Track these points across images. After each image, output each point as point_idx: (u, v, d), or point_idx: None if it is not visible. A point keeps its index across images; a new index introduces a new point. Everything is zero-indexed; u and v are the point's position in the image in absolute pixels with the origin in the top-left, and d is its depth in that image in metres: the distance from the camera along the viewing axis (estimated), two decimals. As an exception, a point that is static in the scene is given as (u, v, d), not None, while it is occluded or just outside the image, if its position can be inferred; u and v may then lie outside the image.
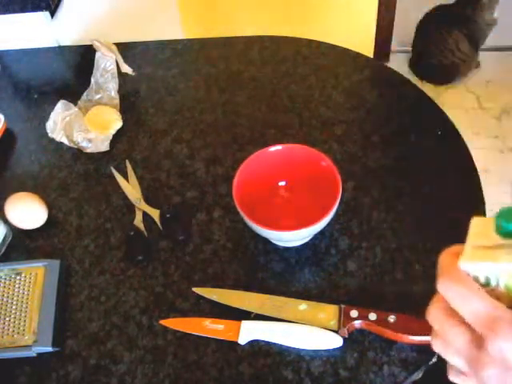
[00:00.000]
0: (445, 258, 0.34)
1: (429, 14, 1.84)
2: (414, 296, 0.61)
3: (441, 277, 0.33)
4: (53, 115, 0.80)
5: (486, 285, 0.31)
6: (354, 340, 0.59)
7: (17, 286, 0.65)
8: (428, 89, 1.94)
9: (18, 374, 0.61)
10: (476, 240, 0.32)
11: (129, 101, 0.88)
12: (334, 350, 0.58)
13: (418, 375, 0.57)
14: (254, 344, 0.60)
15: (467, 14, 1.73)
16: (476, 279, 0.31)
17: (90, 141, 0.79)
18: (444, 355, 0.34)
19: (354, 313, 0.58)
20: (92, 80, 0.86)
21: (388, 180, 0.73)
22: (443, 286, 0.32)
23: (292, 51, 0.92)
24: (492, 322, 0.29)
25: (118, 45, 0.88)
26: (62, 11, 1.00)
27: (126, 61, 0.88)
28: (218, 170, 0.77)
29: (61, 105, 0.80)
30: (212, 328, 0.61)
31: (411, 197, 0.71)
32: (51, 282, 0.65)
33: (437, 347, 0.34)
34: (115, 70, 0.86)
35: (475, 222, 0.33)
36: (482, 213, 0.68)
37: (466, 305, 0.30)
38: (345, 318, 0.58)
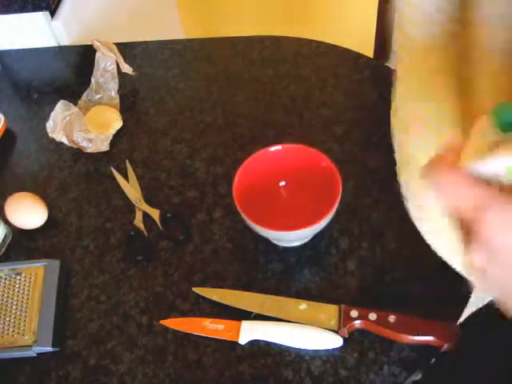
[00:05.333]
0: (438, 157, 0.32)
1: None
2: (413, 296, 0.61)
3: (430, 164, 0.31)
4: (53, 115, 0.80)
5: (491, 183, 0.30)
6: (354, 340, 0.59)
7: (17, 286, 0.65)
8: (428, 89, 1.93)
9: (17, 374, 0.61)
10: (475, 139, 0.31)
11: (129, 101, 0.88)
12: (334, 349, 0.58)
13: (418, 375, 0.57)
14: (254, 344, 0.60)
15: None
16: (480, 178, 0.30)
17: (90, 141, 0.79)
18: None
19: (354, 313, 0.58)
20: (92, 80, 0.86)
21: (388, 180, 0.73)
22: (432, 173, 0.31)
23: (292, 51, 0.92)
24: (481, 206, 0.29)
25: (117, 45, 0.88)
26: (61, 11, 1.00)
27: (125, 61, 0.88)
28: (218, 170, 0.77)
29: (61, 105, 0.80)
30: (212, 328, 0.61)
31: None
32: (51, 282, 0.65)
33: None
34: (115, 70, 0.86)
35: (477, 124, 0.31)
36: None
37: (457, 191, 0.30)
38: (345, 318, 0.58)
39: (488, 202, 0.29)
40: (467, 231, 0.31)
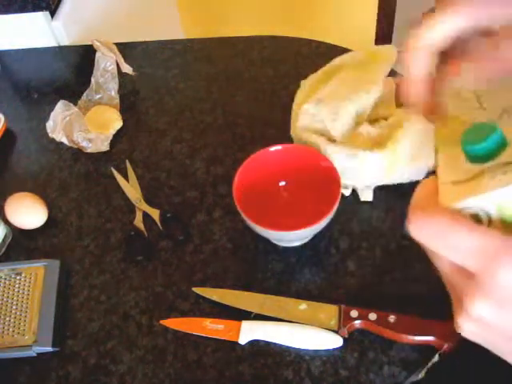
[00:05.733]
0: (418, 199, 0.29)
1: (429, 14, 1.84)
2: (413, 296, 0.61)
3: (414, 216, 0.28)
4: (53, 115, 0.80)
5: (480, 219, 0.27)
6: (354, 340, 0.59)
7: (17, 286, 0.65)
8: (428, 89, 1.93)
9: (17, 374, 0.61)
10: (448, 176, 0.28)
11: (129, 101, 0.88)
12: (334, 349, 0.58)
13: (417, 375, 0.57)
14: (254, 344, 0.60)
15: None
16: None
17: (90, 141, 0.79)
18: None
19: (354, 313, 0.58)
20: (92, 80, 0.86)
21: (388, 180, 0.73)
22: (418, 226, 0.28)
23: (292, 51, 0.92)
24: (492, 252, 0.25)
25: (117, 45, 0.88)
26: (61, 11, 1.00)
27: (126, 61, 0.88)
28: (218, 170, 0.77)
29: (61, 105, 0.80)
30: (212, 328, 0.61)
31: (411, 196, 0.70)
32: (51, 282, 0.65)
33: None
34: (115, 70, 0.86)
35: (440, 158, 0.29)
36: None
37: (455, 239, 0.26)
38: (345, 318, 0.58)
39: (504, 245, 0.25)
40: (464, 284, 0.28)
